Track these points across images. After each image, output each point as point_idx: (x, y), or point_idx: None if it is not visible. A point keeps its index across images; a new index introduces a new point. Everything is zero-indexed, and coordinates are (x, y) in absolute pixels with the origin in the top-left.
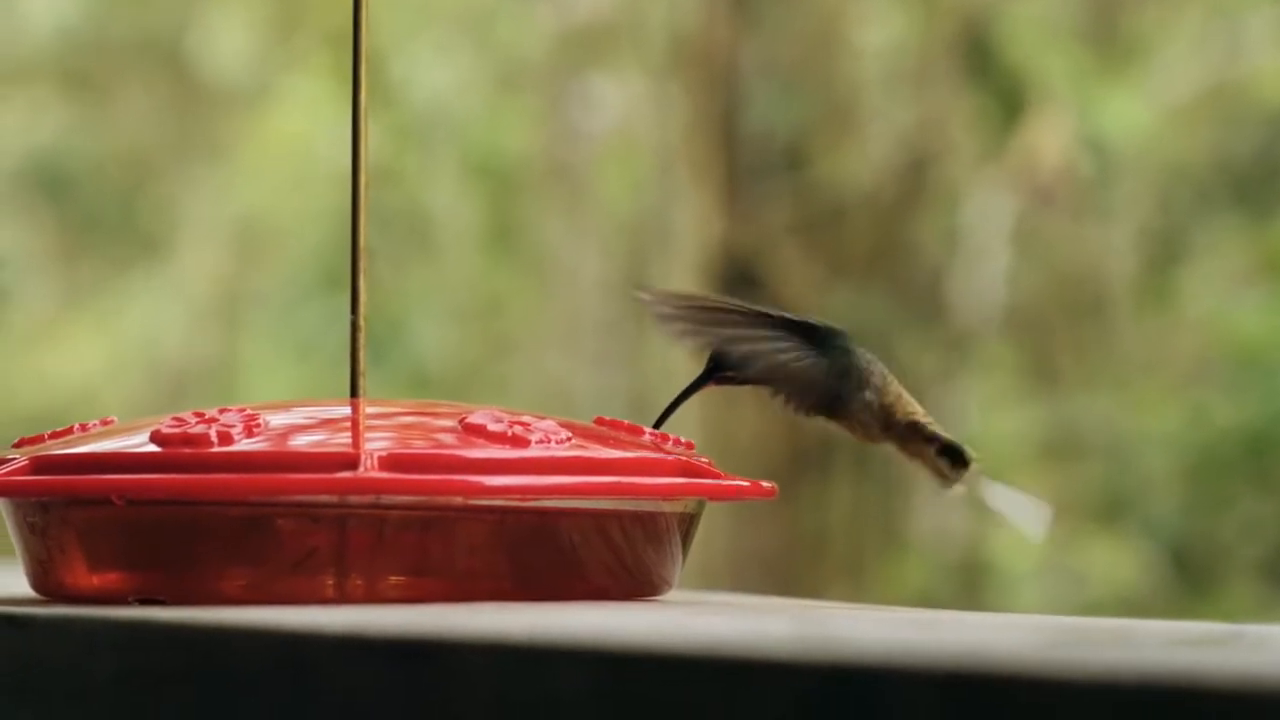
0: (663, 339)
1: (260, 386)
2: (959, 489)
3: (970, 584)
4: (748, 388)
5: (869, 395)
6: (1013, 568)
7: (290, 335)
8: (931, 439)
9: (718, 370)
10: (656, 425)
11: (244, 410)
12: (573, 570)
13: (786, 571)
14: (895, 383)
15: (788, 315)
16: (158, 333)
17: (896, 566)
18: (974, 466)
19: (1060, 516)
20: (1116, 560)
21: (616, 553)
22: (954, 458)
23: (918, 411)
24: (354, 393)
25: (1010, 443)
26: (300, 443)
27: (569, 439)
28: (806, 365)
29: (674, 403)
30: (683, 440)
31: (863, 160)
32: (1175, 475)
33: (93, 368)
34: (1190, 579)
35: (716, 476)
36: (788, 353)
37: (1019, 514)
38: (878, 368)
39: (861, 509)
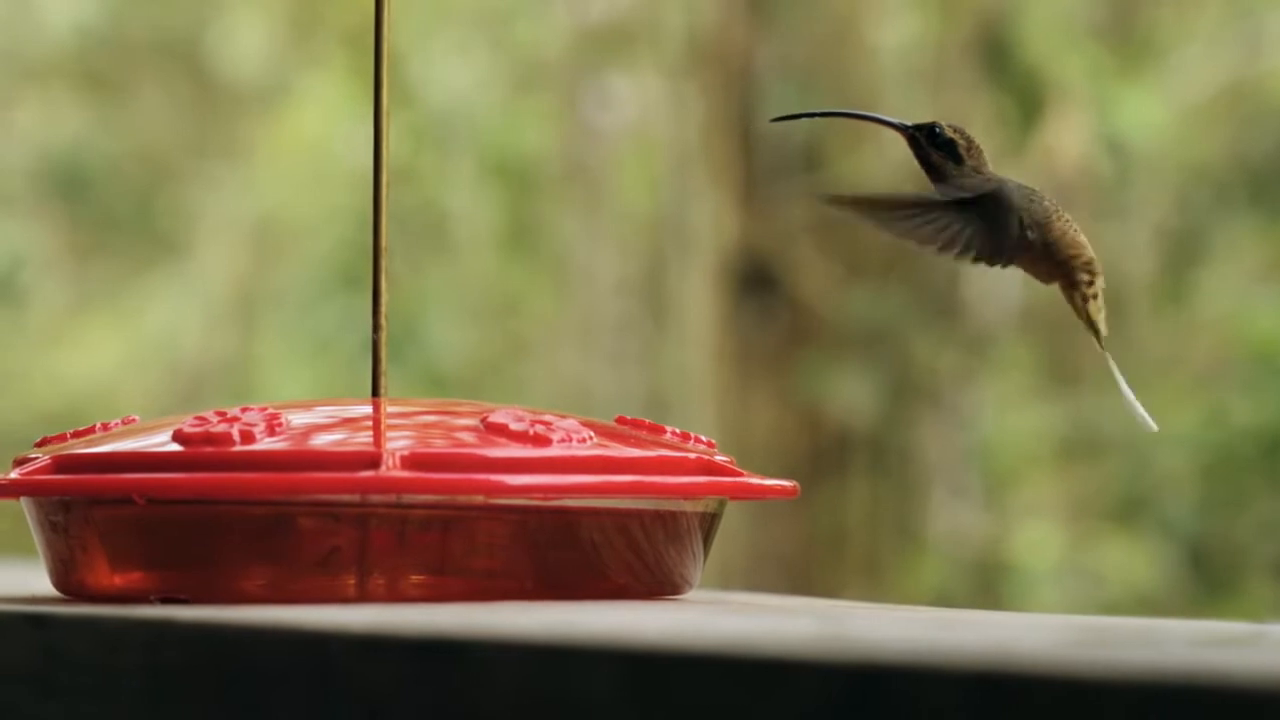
0: (681, 336)
1: (277, 385)
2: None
3: (987, 583)
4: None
5: (1031, 235)
6: (1030, 567)
7: (307, 334)
8: (1082, 298)
9: (919, 130)
10: (821, 114)
11: (266, 409)
12: (594, 569)
13: (804, 570)
14: (1060, 219)
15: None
16: (176, 331)
17: (914, 565)
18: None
19: (1078, 516)
20: (1133, 559)
21: (638, 552)
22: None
23: (1080, 255)
24: (375, 392)
25: (1027, 442)
26: (322, 442)
27: (591, 438)
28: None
29: (861, 115)
30: (704, 439)
31: (879, 160)
32: (1192, 474)
33: (111, 366)
34: (1207, 578)
35: (738, 475)
36: (972, 179)
37: (1134, 404)
38: (1041, 205)
39: (879, 508)
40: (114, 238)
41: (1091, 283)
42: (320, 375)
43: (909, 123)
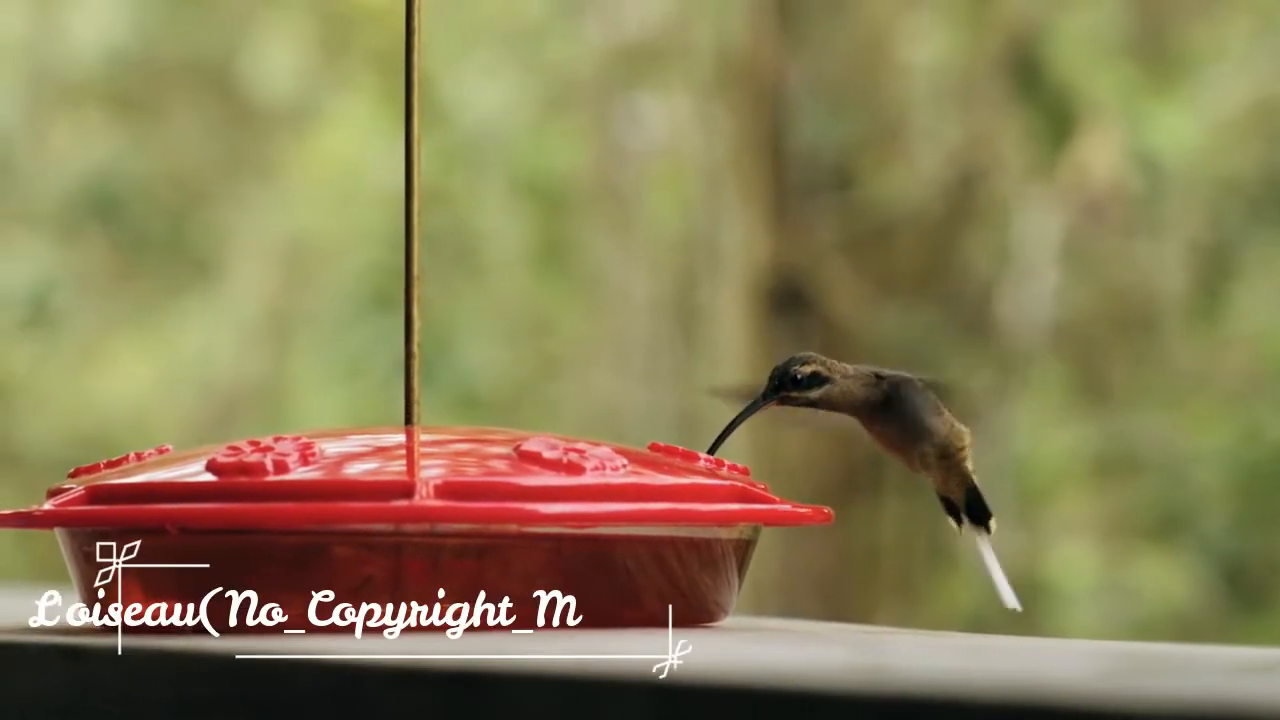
0: (713, 355)
1: (310, 407)
2: (964, 533)
3: (1023, 601)
4: (805, 411)
5: (936, 423)
6: (1066, 586)
7: (340, 355)
8: (970, 489)
9: (781, 389)
10: (716, 444)
11: (299, 438)
12: (629, 597)
13: (838, 591)
14: (950, 417)
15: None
16: (209, 354)
17: (948, 585)
18: (989, 530)
19: (1113, 533)
20: (1169, 577)
21: (673, 579)
22: (979, 515)
23: (967, 448)
24: (408, 420)
25: (1062, 460)
26: (355, 471)
27: (624, 465)
28: (872, 390)
29: (735, 421)
30: (738, 466)
31: (911, 178)
32: (1227, 491)
33: (144, 389)
34: (1243, 595)
35: (772, 502)
36: (855, 379)
37: (1000, 581)
38: (935, 400)
39: (912, 528)
40: (146, 260)
41: (972, 469)
42: (354, 397)
43: (768, 392)
